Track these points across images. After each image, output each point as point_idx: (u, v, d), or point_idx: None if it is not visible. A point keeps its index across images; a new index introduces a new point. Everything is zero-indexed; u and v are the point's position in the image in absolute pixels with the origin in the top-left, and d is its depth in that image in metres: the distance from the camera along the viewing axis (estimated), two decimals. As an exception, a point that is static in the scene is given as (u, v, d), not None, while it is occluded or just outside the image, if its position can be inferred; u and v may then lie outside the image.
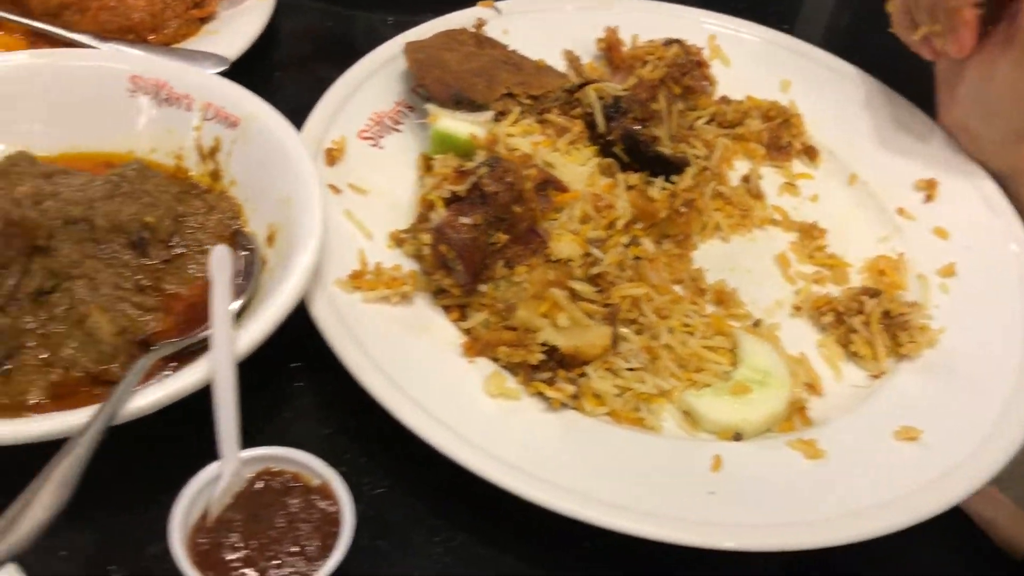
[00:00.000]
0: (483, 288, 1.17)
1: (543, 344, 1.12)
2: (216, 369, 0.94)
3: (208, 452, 0.93)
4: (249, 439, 0.95)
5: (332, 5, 1.73)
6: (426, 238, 1.15)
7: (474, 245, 1.13)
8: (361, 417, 1.12)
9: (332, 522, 0.92)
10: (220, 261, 1.01)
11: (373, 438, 1.12)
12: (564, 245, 1.21)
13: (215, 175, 1.26)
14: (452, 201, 1.17)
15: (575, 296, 1.17)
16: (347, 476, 0.95)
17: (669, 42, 1.47)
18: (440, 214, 1.15)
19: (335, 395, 1.15)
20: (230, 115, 1.24)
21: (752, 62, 1.62)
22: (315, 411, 1.15)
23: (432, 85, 1.33)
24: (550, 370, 1.12)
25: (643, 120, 1.35)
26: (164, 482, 1.00)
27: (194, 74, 1.27)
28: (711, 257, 1.35)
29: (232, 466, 0.93)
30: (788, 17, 1.91)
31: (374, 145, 1.36)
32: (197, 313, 1.12)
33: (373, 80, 1.42)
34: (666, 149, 1.34)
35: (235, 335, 0.97)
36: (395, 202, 1.31)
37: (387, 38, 1.61)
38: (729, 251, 1.37)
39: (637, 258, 1.26)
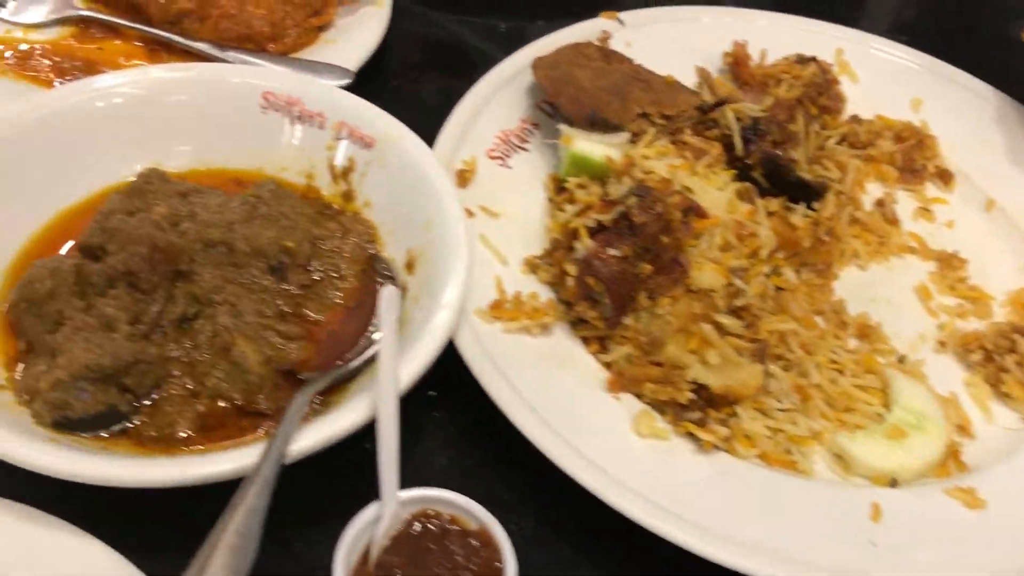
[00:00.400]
0: (625, 320, 1.13)
1: (692, 382, 1.08)
2: (380, 409, 0.91)
3: (358, 488, 0.92)
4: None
5: (443, 12, 1.70)
6: (571, 269, 1.11)
7: (622, 277, 1.09)
8: (501, 450, 1.10)
9: (494, 572, 0.90)
10: (390, 301, 0.98)
11: (515, 472, 1.09)
12: (706, 275, 1.17)
13: (348, 196, 1.23)
14: (597, 230, 1.13)
15: (721, 330, 1.13)
16: (492, 513, 0.93)
17: (803, 59, 1.42)
18: (586, 244, 1.11)
19: (474, 425, 1.13)
20: (365, 135, 1.21)
21: (880, 78, 1.56)
22: (455, 442, 1.13)
23: (566, 104, 1.29)
24: (699, 409, 1.08)
25: (780, 143, 1.30)
26: (316, 523, 0.99)
27: (328, 92, 1.24)
28: (849, 286, 1.30)
29: (392, 508, 0.91)
30: (852, 13, 1.85)
31: (502, 165, 1.32)
32: (338, 341, 1.10)
33: (498, 97, 1.38)
34: (807, 174, 1.29)
35: (399, 375, 0.94)
36: (526, 225, 1.27)
37: (500, 46, 1.58)
38: (867, 280, 1.33)
39: (778, 288, 1.21)
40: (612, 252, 1.09)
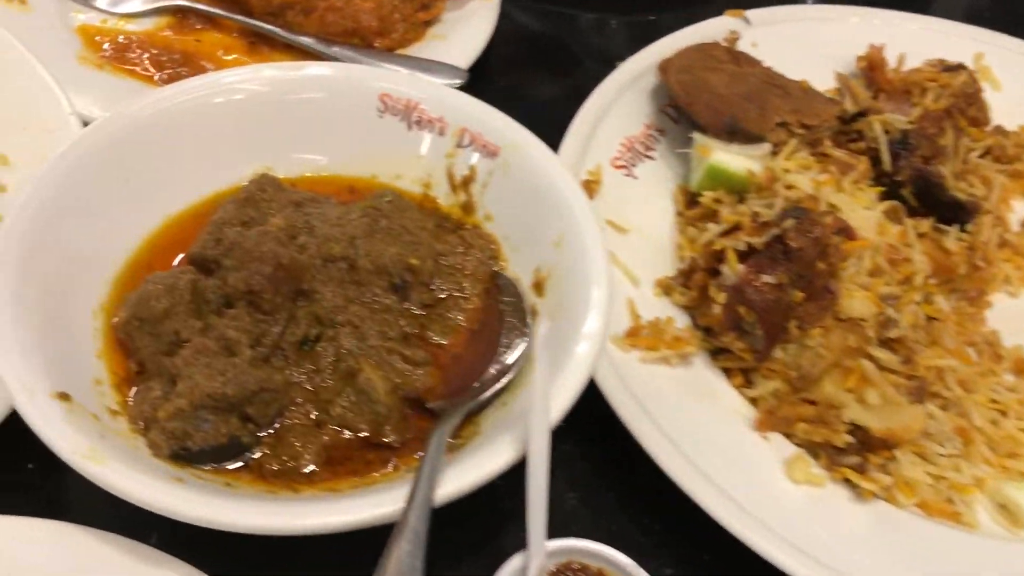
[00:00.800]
0: (774, 352, 1.05)
1: (849, 423, 1.00)
2: (532, 453, 0.83)
3: (489, 522, 0.84)
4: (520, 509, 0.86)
5: (552, 5, 1.61)
6: (719, 296, 1.03)
7: (776, 307, 1.01)
8: (636, 489, 1.03)
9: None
10: (550, 340, 0.90)
11: (652, 514, 1.02)
12: (856, 303, 1.08)
13: (467, 207, 1.15)
14: (746, 254, 1.04)
15: (878, 366, 1.04)
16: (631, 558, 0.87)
17: (951, 67, 1.31)
18: (735, 270, 1.03)
19: (605, 461, 1.06)
20: (489, 143, 1.13)
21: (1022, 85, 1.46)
22: (585, 479, 1.06)
23: (703, 112, 1.20)
24: (857, 453, 1.00)
25: (930, 158, 1.20)
26: (455, 568, 0.93)
27: (449, 95, 1.16)
28: (1001, 315, 1.21)
29: (539, 560, 0.84)
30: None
31: (627, 175, 1.24)
32: (463, 367, 1.02)
33: (621, 101, 1.30)
34: (960, 193, 1.19)
35: (551, 417, 0.86)
36: (655, 241, 1.19)
37: (612, 42, 1.50)
38: (1020, 308, 1.22)
39: (929, 318, 1.12)
40: (766, 279, 1.01)
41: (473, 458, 0.86)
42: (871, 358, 1.04)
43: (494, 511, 0.98)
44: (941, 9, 1.67)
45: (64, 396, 0.86)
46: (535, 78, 1.48)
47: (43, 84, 1.18)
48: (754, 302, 1.00)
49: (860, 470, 0.98)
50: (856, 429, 1.00)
